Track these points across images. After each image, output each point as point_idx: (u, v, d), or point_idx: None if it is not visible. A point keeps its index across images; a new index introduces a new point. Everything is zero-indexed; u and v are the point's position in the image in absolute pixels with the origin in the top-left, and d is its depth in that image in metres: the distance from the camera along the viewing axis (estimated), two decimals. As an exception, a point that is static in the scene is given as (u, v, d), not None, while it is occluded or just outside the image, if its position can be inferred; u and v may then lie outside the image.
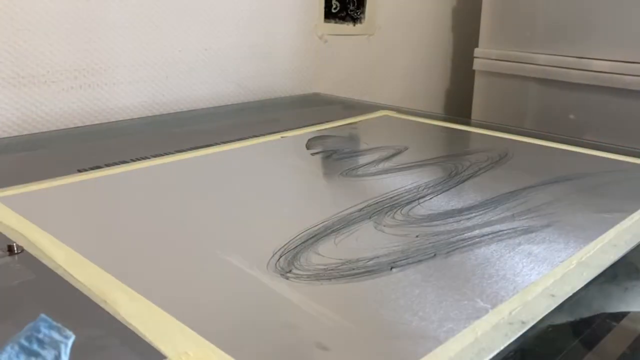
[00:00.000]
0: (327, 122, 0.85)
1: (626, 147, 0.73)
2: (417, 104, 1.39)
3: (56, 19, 0.78)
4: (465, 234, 0.47)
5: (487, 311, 0.35)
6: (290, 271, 0.40)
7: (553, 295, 0.37)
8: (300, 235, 0.45)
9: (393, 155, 0.69)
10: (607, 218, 0.51)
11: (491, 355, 0.31)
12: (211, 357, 0.31)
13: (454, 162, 0.66)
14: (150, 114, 0.90)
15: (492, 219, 0.50)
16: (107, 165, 0.63)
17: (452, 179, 0.60)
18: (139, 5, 0.86)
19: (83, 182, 0.58)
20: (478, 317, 0.35)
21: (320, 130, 0.81)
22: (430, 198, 0.54)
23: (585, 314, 0.36)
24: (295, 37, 1.10)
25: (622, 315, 0.37)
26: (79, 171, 0.61)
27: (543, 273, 0.40)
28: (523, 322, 0.34)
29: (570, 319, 0.36)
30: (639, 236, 0.47)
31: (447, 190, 0.57)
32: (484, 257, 0.43)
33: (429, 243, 0.45)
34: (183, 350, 0.31)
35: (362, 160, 0.67)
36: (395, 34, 1.31)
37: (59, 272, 0.39)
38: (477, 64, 1.31)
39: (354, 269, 0.40)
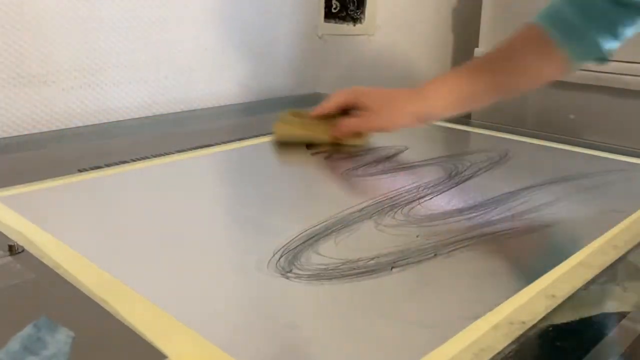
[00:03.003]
0: (327, 122, 0.85)
1: (626, 147, 0.73)
2: (417, 104, 1.39)
3: (56, 19, 0.78)
4: (466, 234, 0.47)
5: (487, 311, 0.35)
6: (290, 271, 0.40)
7: (553, 296, 0.37)
8: (300, 235, 0.45)
9: (393, 155, 0.69)
10: (607, 218, 0.51)
11: (491, 355, 0.31)
12: (211, 357, 0.31)
13: (454, 162, 0.66)
14: (150, 114, 0.90)
15: (492, 219, 0.50)
16: (107, 165, 0.63)
17: (452, 179, 0.60)
18: (139, 6, 0.86)
19: (83, 182, 0.58)
20: (478, 317, 0.35)
21: (320, 130, 0.81)
22: (431, 198, 0.54)
23: (585, 314, 0.36)
24: (295, 37, 1.10)
25: (622, 315, 0.37)
26: (79, 171, 0.61)
27: (543, 273, 0.40)
28: (523, 322, 0.34)
29: (570, 319, 0.36)
30: (639, 236, 0.47)
31: (447, 190, 0.57)
32: (484, 257, 0.43)
33: (429, 243, 0.45)
34: (183, 350, 0.31)
35: (362, 160, 0.67)
36: (395, 34, 1.31)
37: (59, 272, 0.39)
38: (477, 64, 1.30)
39: (354, 269, 0.40)
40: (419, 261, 0.42)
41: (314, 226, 0.47)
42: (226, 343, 0.32)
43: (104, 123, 0.85)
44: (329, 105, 0.71)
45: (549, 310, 0.36)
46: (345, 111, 0.71)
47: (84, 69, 0.82)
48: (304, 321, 0.35)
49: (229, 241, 0.46)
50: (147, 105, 0.90)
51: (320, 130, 0.71)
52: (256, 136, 0.76)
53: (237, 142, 0.73)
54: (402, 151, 0.70)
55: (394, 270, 0.41)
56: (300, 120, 0.72)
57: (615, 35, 0.62)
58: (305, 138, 0.71)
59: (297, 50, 1.11)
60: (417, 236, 0.46)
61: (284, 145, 0.73)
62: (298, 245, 0.44)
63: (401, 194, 0.55)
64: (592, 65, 0.68)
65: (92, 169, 0.61)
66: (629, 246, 0.45)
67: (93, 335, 0.32)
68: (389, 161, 0.66)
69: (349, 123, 0.70)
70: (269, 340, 0.33)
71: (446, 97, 0.67)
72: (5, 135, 0.76)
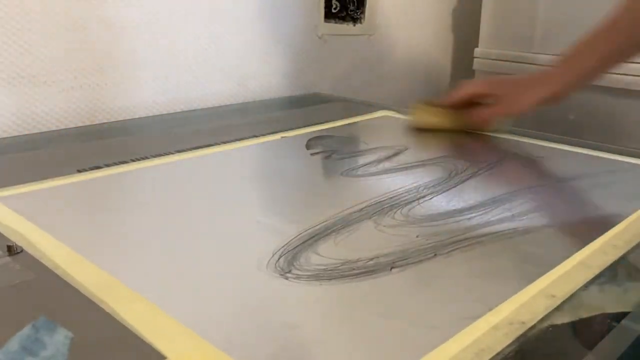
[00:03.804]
0: (327, 122, 0.85)
1: (626, 147, 0.73)
2: (417, 104, 1.39)
3: (56, 19, 0.78)
4: (466, 234, 0.47)
5: (487, 311, 0.35)
6: (290, 271, 0.40)
7: (553, 296, 0.37)
8: (300, 235, 0.45)
9: (393, 155, 0.69)
10: (607, 218, 0.51)
11: (491, 355, 0.31)
12: (211, 358, 0.31)
13: (454, 162, 0.66)
14: (150, 114, 0.90)
15: (492, 219, 0.50)
16: (107, 165, 0.63)
17: (452, 179, 0.60)
18: (139, 6, 0.86)
19: (83, 182, 0.58)
20: (478, 317, 0.35)
21: (320, 130, 0.81)
22: (430, 198, 0.54)
23: (585, 314, 0.36)
24: (295, 37, 1.10)
25: (622, 315, 0.37)
26: (79, 171, 0.61)
27: (543, 273, 0.40)
28: (523, 322, 0.34)
29: (570, 319, 0.36)
30: (639, 236, 0.47)
31: (447, 190, 0.57)
32: (483, 258, 0.43)
33: (429, 243, 0.45)
34: (183, 350, 0.31)
35: (362, 160, 0.67)
36: (395, 34, 1.31)
37: (59, 272, 0.39)
38: (477, 64, 1.31)
39: (354, 269, 0.40)
40: (419, 261, 0.42)
41: (313, 226, 0.47)
42: (226, 343, 0.32)
43: (104, 123, 0.85)
44: (460, 94, 0.79)
45: (549, 310, 0.36)
46: (470, 102, 0.79)
47: (84, 69, 0.82)
48: (303, 321, 0.35)
49: (228, 241, 0.46)
50: (147, 105, 0.90)
51: (453, 118, 0.80)
52: (256, 136, 0.76)
53: (237, 142, 0.73)
54: (402, 151, 0.70)
55: (393, 270, 0.41)
56: (435, 109, 0.81)
57: None
58: (439, 125, 0.80)
59: (297, 50, 1.11)
60: (417, 236, 0.46)
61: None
62: (297, 246, 0.44)
63: (401, 194, 0.55)
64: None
65: (92, 169, 0.61)
66: (629, 246, 0.45)
67: (92, 336, 0.32)
68: (389, 161, 0.66)
69: (483, 112, 0.78)
70: (269, 341, 0.33)
71: (570, 77, 0.76)
72: (5, 135, 0.76)
